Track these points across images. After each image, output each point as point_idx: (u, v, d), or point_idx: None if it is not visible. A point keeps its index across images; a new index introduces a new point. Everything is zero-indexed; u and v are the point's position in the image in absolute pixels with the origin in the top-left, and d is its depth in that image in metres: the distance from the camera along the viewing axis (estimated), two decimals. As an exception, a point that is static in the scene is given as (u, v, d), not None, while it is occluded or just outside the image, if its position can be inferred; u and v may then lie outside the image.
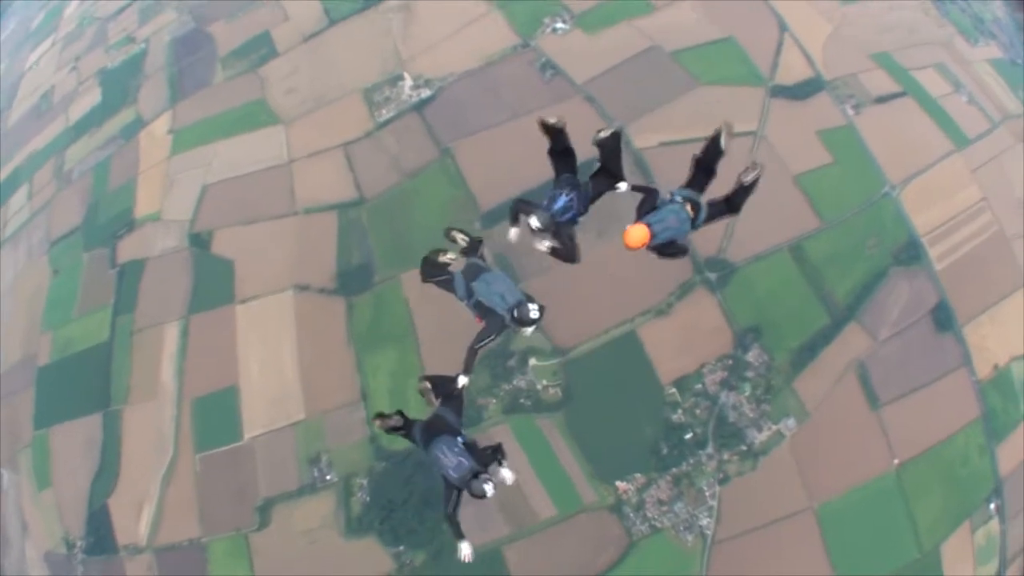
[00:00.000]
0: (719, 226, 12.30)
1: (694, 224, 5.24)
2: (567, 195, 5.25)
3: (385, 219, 12.69)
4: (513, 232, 5.29)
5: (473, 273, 5.03)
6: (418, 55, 14.00)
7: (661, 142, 12.38)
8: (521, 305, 4.71)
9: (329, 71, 14.32)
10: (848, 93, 13.66)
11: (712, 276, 12.04)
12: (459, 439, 4.88)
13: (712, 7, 13.90)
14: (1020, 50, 17.72)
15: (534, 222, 4.94)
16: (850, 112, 13.46)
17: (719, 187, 5.60)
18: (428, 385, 5.18)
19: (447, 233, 5.35)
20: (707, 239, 12.02)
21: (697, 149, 5.47)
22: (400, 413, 5.28)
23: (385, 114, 13.57)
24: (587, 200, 5.36)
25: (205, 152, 14.31)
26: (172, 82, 15.72)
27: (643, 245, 4.83)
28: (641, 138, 12.47)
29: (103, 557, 12.70)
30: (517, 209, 5.23)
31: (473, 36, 13.96)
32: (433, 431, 4.99)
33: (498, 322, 4.82)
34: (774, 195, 12.48)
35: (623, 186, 5.36)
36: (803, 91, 13.47)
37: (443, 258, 5.24)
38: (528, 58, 13.62)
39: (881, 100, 13.80)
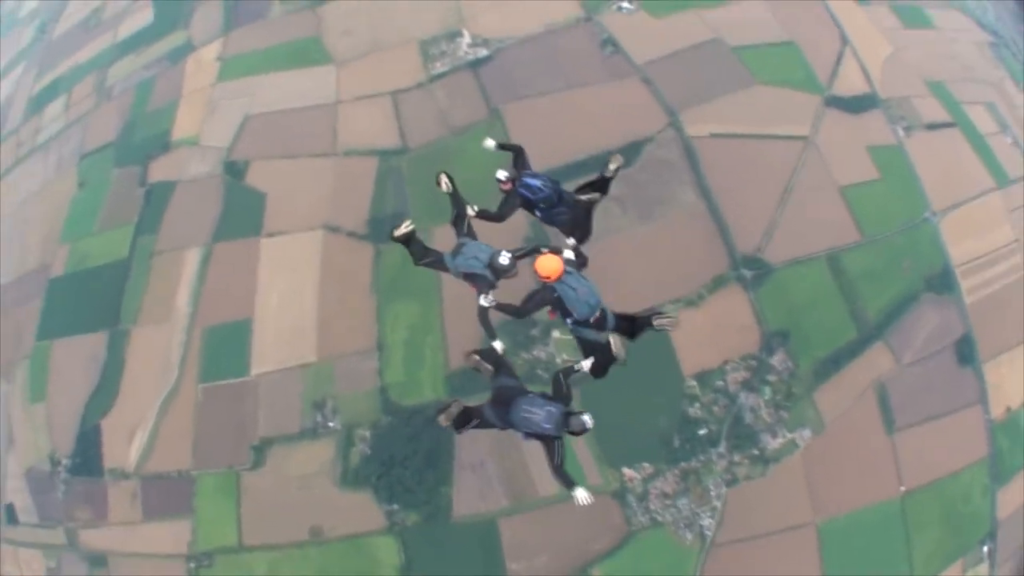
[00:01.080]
0: (759, 225, 12.29)
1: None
2: (544, 182, 5.54)
3: (425, 171, 12.46)
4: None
5: (456, 249, 5.27)
6: (480, 14, 13.92)
7: (712, 133, 12.30)
8: (493, 256, 4.91)
9: (388, 18, 14.20)
10: (900, 114, 13.64)
11: (748, 274, 11.90)
12: (532, 394, 4.88)
13: (779, 9, 13.91)
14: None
15: (501, 174, 5.49)
16: (901, 133, 13.42)
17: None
18: (477, 357, 5.18)
19: (437, 177, 5.53)
20: (746, 237, 11.92)
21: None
22: (458, 401, 5.25)
23: (439, 68, 13.47)
24: (554, 215, 5.63)
25: (252, 83, 14.16)
26: (228, 10, 15.54)
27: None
28: (693, 127, 12.40)
29: (87, 478, 12.44)
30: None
31: (538, 2, 13.87)
32: (505, 401, 4.91)
33: (484, 281, 5.04)
34: (818, 203, 12.43)
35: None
36: (858, 105, 13.44)
37: (397, 232, 5.41)
38: (590, 31, 13.53)
39: (932, 127, 13.80)
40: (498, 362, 5.15)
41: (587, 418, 4.48)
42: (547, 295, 5.07)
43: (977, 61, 16.12)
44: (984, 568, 11.81)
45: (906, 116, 13.67)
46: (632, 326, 5.51)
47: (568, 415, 4.56)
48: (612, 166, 5.54)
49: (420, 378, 11.74)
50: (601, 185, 5.69)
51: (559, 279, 4.94)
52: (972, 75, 15.53)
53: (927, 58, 14.82)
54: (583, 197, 5.57)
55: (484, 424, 5.04)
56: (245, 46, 14.67)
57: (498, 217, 5.56)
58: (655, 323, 5.36)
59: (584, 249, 5.45)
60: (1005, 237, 13.54)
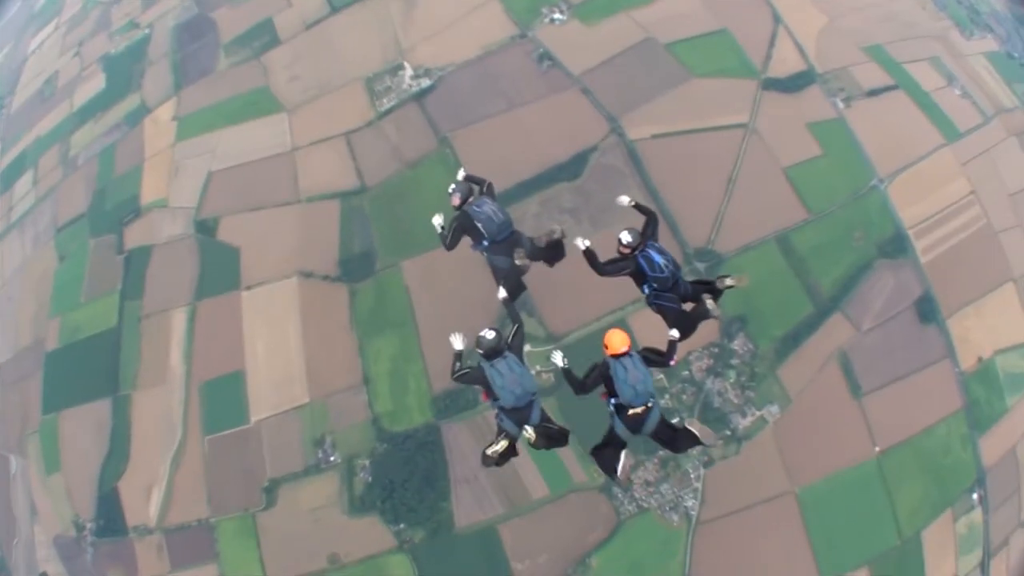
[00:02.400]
0: (708, 217, 12.68)
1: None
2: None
3: (386, 207, 12.97)
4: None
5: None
6: (418, 44, 14.15)
7: (654, 134, 12.64)
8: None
9: (331, 59, 14.45)
10: (839, 86, 13.84)
11: (701, 266, 12.37)
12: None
13: (709, -2, 14.01)
14: (1018, 43, 17.82)
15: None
16: (840, 105, 13.65)
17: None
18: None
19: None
20: (696, 230, 12.37)
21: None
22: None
23: (386, 103, 13.77)
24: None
25: (210, 139, 14.47)
26: (176, 68, 15.80)
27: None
28: (635, 130, 12.72)
29: (113, 539, 13.09)
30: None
31: (472, 26, 14.09)
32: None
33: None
34: (763, 187, 12.81)
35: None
36: (795, 84, 13.67)
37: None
38: (526, 49, 13.78)
39: (872, 93, 13.99)
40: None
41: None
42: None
43: (918, 16, 16.15)
44: (978, 514, 12.31)
45: (845, 87, 13.88)
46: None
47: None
48: (729, 282, 5.90)
49: (408, 404, 12.40)
50: (714, 293, 6.05)
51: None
52: (913, 32, 15.59)
53: (864, 23, 14.92)
54: (709, 305, 5.87)
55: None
56: (198, 103, 14.95)
57: (601, 271, 5.94)
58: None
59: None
60: (959, 191, 13.82)
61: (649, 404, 5.55)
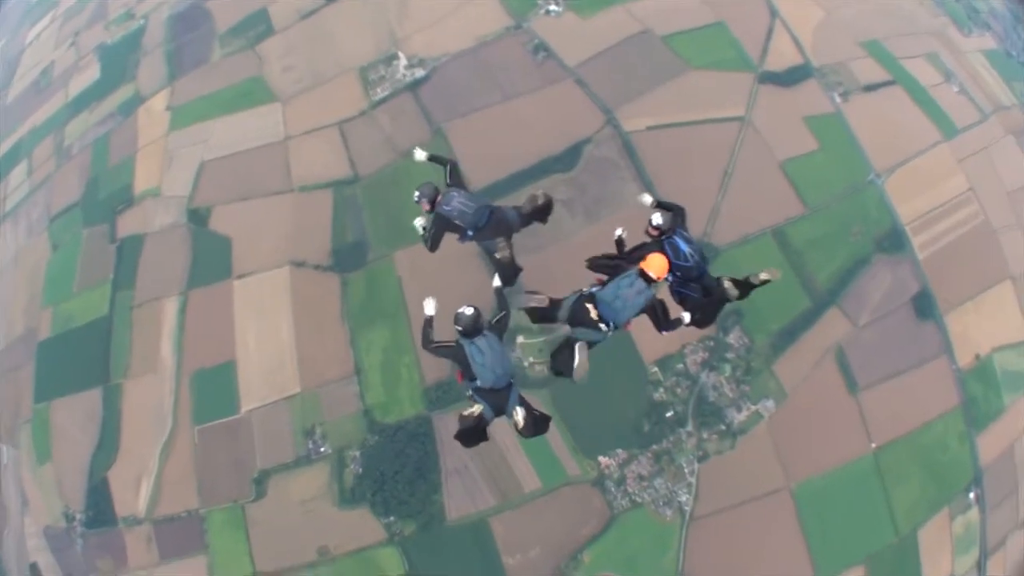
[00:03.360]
0: (703, 211, 12.65)
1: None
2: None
3: (379, 198, 12.88)
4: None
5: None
6: (413, 34, 14.07)
7: (649, 126, 12.57)
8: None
9: (325, 49, 14.37)
10: (836, 80, 13.79)
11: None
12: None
13: (705, -10, 13.97)
14: (1016, 41, 17.81)
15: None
16: (837, 99, 13.61)
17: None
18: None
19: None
20: (692, 223, 12.22)
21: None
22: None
23: (380, 93, 13.67)
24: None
25: (203, 129, 14.39)
26: (170, 59, 15.74)
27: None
28: (630, 122, 12.62)
29: (102, 529, 13.04)
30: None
31: (467, 16, 14.01)
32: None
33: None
34: (759, 181, 12.75)
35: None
36: (791, 77, 13.60)
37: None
38: (521, 40, 13.70)
39: (870, 88, 13.94)
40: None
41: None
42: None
43: (916, 11, 16.15)
44: (975, 514, 12.26)
45: (842, 81, 13.83)
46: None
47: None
48: (764, 276, 5.80)
49: (399, 396, 12.31)
50: (744, 287, 5.94)
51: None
52: (911, 28, 15.58)
53: (861, 18, 14.89)
54: (726, 284, 5.78)
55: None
56: (192, 93, 14.87)
57: (628, 259, 5.85)
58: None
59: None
60: (957, 187, 13.76)
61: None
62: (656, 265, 5.27)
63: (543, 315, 5.87)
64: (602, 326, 5.42)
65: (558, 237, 11.89)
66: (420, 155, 6.38)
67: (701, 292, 5.90)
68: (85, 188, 15.26)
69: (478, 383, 5.41)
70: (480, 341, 5.35)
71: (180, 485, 12.72)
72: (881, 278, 12.85)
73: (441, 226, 6.06)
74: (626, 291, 5.35)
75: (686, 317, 5.73)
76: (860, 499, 11.99)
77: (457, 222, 6.02)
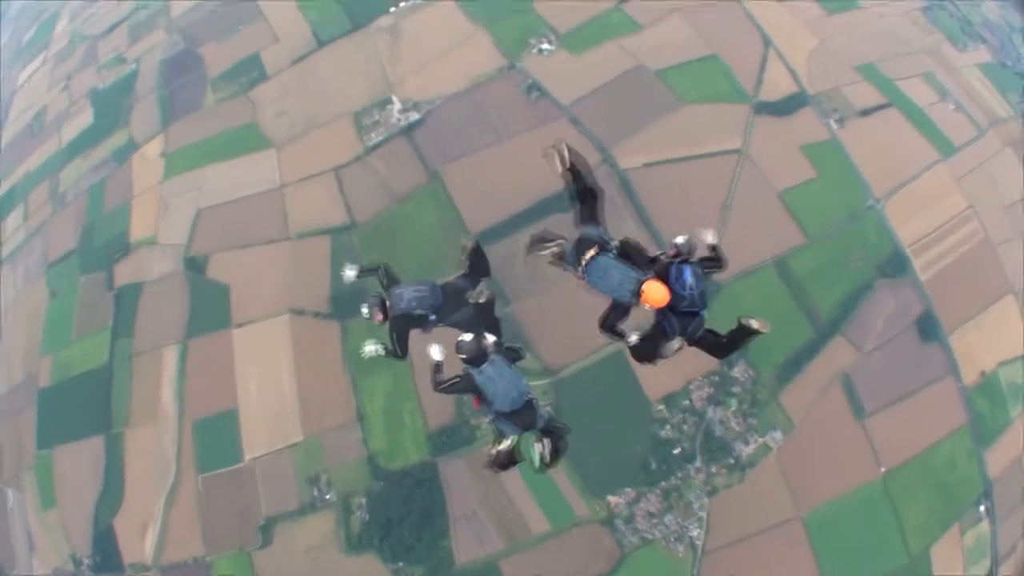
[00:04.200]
0: (702, 245, 12.64)
1: (607, 248, 5.57)
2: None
3: (377, 243, 12.84)
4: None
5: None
6: (406, 77, 14.08)
7: (645, 163, 12.55)
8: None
9: (319, 94, 14.39)
10: (832, 107, 13.78)
11: (699, 295, 12.24)
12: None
13: (698, 23, 13.94)
14: (1011, 51, 17.77)
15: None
16: (834, 126, 13.58)
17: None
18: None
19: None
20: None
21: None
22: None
23: (374, 138, 13.67)
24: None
25: (198, 176, 14.39)
26: (163, 104, 15.75)
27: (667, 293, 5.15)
28: (626, 160, 12.61)
29: (110, 575, 12.94)
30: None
31: (460, 58, 14.03)
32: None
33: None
34: (758, 212, 12.71)
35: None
36: (787, 107, 13.59)
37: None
38: (514, 80, 13.72)
39: (865, 112, 13.93)
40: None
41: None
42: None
43: (909, 32, 16.12)
44: (985, 526, 12.23)
45: (838, 107, 13.82)
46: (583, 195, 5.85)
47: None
48: (755, 325, 5.74)
49: (403, 442, 12.25)
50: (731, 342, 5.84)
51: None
52: (904, 48, 15.57)
53: (854, 42, 14.88)
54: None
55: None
56: (185, 139, 14.86)
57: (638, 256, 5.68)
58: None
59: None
60: (956, 207, 13.74)
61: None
62: (655, 294, 5.15)
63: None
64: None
65: (557, 277, 11.81)
66: (350, 274, 6.13)
67: (679, 328, 5.76)
68: (81, 235, 15.24)
69: (496, 407, 5.30)
70: (488, 369, 5.22)
71: (186, 532, 12.66)
72: (884, 303, 12.81)
73: (403, 326, 5.82)
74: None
75: (633, 337, 5.63)
76: (871, 524, 11.92)
77: (418, 312, 5.78)
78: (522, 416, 5.42)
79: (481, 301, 5.92)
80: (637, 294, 5.23)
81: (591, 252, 5.50)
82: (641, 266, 5.60)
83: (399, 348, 5.78)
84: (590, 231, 5.71)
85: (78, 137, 16.69)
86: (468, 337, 5.22)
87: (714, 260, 5.82)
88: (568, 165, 5.83)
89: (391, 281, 5.94)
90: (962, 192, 14.05)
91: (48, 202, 16.40)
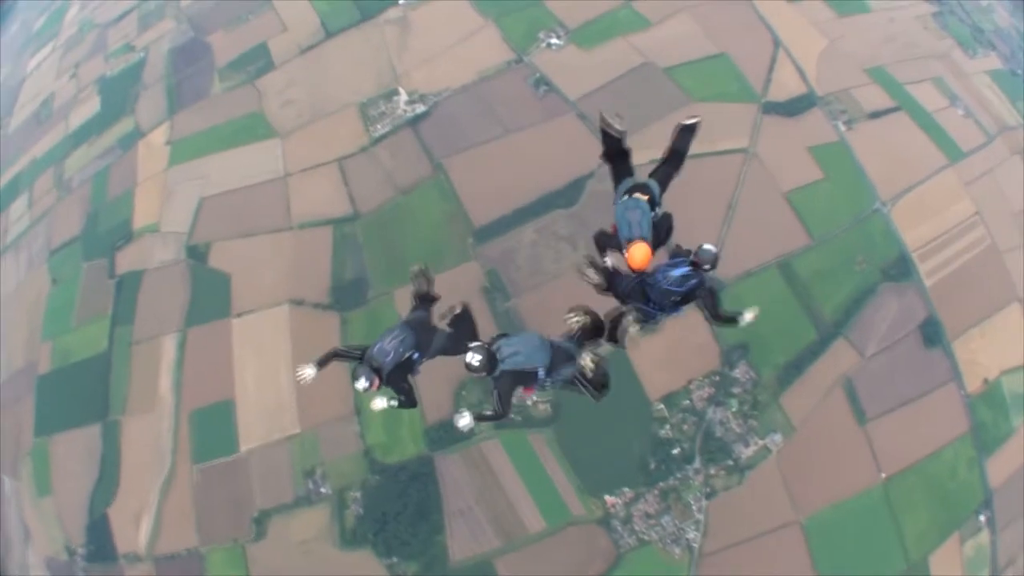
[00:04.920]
0: (707, 242, 12.56)
1: (653, 205, 5.53)
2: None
3: (379, 235, 12.81)
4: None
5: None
6: (413, 69, 14.06)
7: (652, 159, 12.38)
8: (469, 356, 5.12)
9: (325, 85, 14.37)
10: (841, 108, 13.68)
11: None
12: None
13: (708, 22, 13.88)
14: (1022, 60, 17.65)
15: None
16: (842, 128, 13.48)
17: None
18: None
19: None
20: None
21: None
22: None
23: (380, 129, 13.64)
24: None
25: (203, 164, 14.39)
26: (170, 92, 15.78)
27: (648, 261, 5.14)
28: (633, 156, 12.46)
29: (103, 564, 12.95)
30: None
31: (468, 51, 14.01)
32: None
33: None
34: (764, 212, 12.61)
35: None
36: (795, 107, 13.49)
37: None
38: (522, 74, 13.68)
39: (874, 115, 13.82)
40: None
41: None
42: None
43: (919, 36, 16.01)
44: (985, 536, 12.08)
45: (847, 109, 13.72)
46: (673, 157, 5.82)
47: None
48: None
49: (401, 436, 12.17)
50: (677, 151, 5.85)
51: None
52: (915, 53, 15.45)
53: (864, 45, 14.78)
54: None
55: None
56: (191, 128, 14.88)
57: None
58: (685, 123, 5.71)
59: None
60: (963, 212, 13.61)
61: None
62: (637, 254, 5.14)
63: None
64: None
65: (559, 273, 11.78)
66: (309, 372, 5.85)
67: (641, 313, 5.75)
68: (85, 222, 15.27)
69: (541, 371, 5.24)
70: (508, 360, 5.12)
71: (180, 523, 12.61)
72: (888, 307, 12.68)
73: (398, 378, 5.65)
74: (635, 217, 5.29)
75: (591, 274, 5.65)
76: (871, 530, 11.81)
77: (406, 355, 5.60)
78: (556, 355, 5.31)
79: (457, 311, 5.80)
80: (631, 242, 5.25)
81: (640, 194, 5.50)
82: (659, 241, 5.65)
83: (408, 398, 5.60)
84: (652, 185, 5.70)
85: (84, 124, 16.75)
86: (476, 359, 5.05)
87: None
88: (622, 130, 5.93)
89: (356, 349, 5.72)
90: (970, 197, 13.93)
91: (53, 189, 16.45)
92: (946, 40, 16.18)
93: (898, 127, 13.99)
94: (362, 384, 5.18)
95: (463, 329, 5.80)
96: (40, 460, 14.12)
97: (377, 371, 5.36)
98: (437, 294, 6.24)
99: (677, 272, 5.37)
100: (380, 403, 5.63)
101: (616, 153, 5.98)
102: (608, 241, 5.86)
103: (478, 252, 12.37)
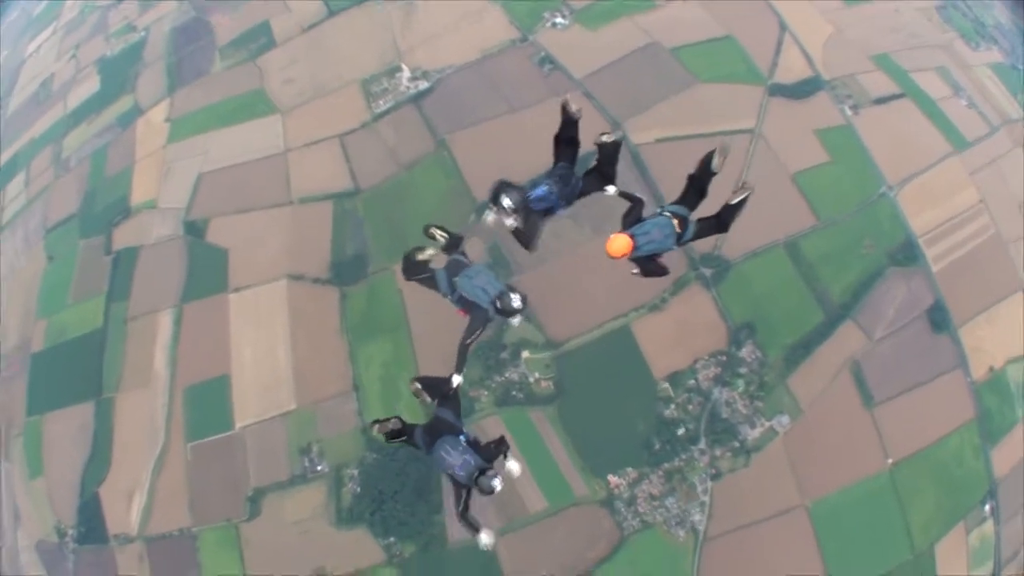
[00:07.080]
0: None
1: (680, 240, 5.28)
2: (548, 186, 5.33)
3: (380, 210, 12.69)
4: (490, 214, 5.27)
5: (455, 269, 5.04)
6: (416, 47, 14.01)
7: (658, 138, 12.39)
8: (503, 295, 4.73)
9: (327, 62, 14.31)
10: (847, 93, 13.67)
11: (707, 272, 12.03)
12: (461, 437, 4.89)
13: (713, 5, 13.91)
14: (1021, 55, 17.76)
15: (505, 201, 5.06)
16: (848, 112, 13.47)
17: (712, 205, 5.64)
18: (419, 386, 5.22)
19: (426, 230, 5.31)
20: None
21: (692, 167, 5.56)
22: (398, 418, 5.26)
23: (382, 105, 13.56)
24: (572, 195, 5.45)
25: (202, 141, 14.27)
26: (171, 71, 15.70)
27: (624, 255, 4.94)
28: (638, 134, 12.46)
29: (94, 547, 12.67)
30: (498, 190, 5.25)
31: (472, 29, 13.97)
32: (435, 433, 4.96)
33: (482, 315, 4.85)
34: (771, 193, 12.51)
35: (611, 189, 5.45)
36: (802, 90, 13.48)
37: (422, 256, 5.21)
38: (527, 52, 13.65)
39: (880, 101, 13.83)
40: (445, 395, 5.13)
41: (496, 483, 4.52)
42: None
43: (924, 27, 16.08)
44: (989, 527, 11.94)
45: (853, 94, 13.71)
46: (718, 222, 5.55)
47: (482, 472, 4.56)
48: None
49: (399, 412, 11.92)
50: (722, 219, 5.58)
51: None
52: (920, 42, 15.50)
53: (870, 33, 14.82)
54: (605, 139, 5.35)
55: (412, 443, 5.09)
56: (191, 105, 14.79)
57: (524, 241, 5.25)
58: (733, 201, 5.37)
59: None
60: (968, 200, 13.59)
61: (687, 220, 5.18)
62: (613, 244, 4.91)
63: None
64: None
65: (565, 249, 11.63)
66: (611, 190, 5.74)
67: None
68: (82, 200, 15.10)
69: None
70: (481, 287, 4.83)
71: (172, 502, 12.33)
72: (895, 291, 12.57)
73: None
74: (653, 230, 4.98)
75: (611, 189, 5.40)
76: (877, 516, 11.64)
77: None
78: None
79: (454, 386, 5.49)
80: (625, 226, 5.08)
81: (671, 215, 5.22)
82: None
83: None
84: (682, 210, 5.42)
85: (83, 103, 16.65)
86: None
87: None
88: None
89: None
90: (975, 186, 13.89)
91: (51, 167, 16.30)
92: (949, 32, 16.27)
93: (903, 114, 13.98)
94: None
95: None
96: (32, 440, 13.85)
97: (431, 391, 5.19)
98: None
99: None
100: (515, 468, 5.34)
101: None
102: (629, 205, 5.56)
103: (479, 230, 12.20)
